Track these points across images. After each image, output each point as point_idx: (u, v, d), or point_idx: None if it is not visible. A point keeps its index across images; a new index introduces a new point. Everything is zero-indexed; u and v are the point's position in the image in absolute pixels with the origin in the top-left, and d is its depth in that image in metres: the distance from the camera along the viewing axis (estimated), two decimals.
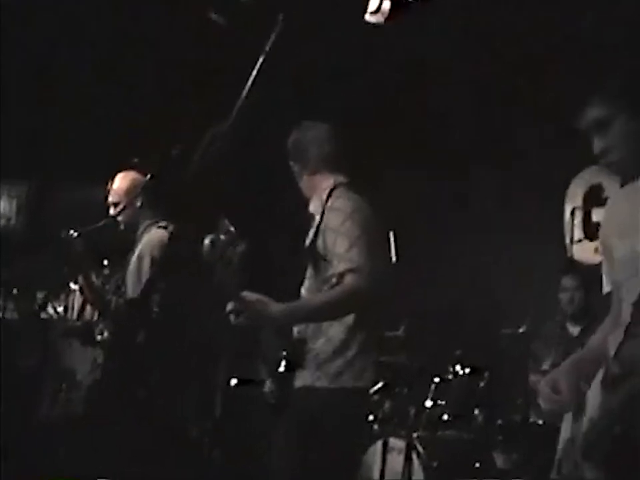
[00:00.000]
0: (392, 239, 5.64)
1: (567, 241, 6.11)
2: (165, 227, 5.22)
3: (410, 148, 6.77)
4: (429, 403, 5.47)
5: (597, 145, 3.07)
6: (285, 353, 4.21)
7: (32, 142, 7.07)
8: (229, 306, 4.03)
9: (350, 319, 4.28)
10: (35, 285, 6.69)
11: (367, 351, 4.32)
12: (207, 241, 3.82)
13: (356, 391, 4.25)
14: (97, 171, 5.64)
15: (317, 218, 4.32)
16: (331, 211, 4.28)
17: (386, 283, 4.49)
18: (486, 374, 5.45)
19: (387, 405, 5.37)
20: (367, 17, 5.79)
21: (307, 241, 4.34)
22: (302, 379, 4.23)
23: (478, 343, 5.72)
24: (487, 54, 6.06)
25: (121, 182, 5.28)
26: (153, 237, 5.24)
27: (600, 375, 2.99)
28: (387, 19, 5.71)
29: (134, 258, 5.19)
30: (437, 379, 5.48)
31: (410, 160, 6.79)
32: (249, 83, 2.76)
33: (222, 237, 3.82)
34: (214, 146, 2.73)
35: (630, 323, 2.95)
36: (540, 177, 6.26)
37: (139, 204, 5.18)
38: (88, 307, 5.66)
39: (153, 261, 5.16)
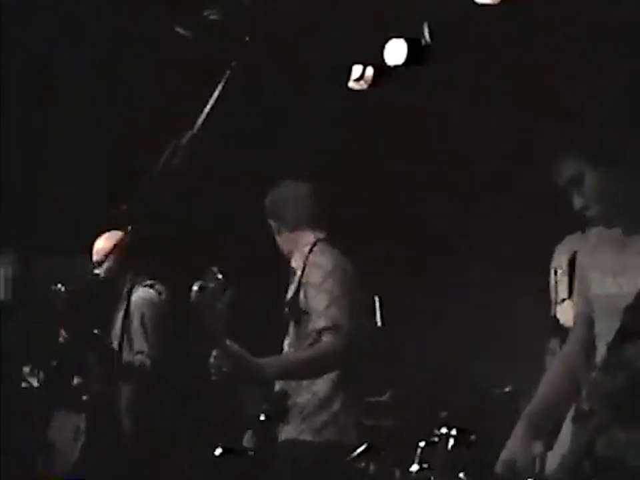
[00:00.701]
0: (377, 304, 5.63)
1: (552, 300, 6.10)
2: (152, 286, 5.25)
3: (395, 217, 6.79)
4: (414, 467, 5.36)
5: (576, 201, 3.11)
6: (265, 407, 4.23)
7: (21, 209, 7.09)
8: (214, 353, 4.06)
9: (334, 375, 4.30)
10: (22, 358, 6.63)
11: (350, 408, 4.32)
12: (195, 287, 3.88)
13: (339, 446, 4.24)
14: (85, 237, 5.66)
15: (299, 273, 4.39)
16: (312, 267, 4.36)
17: (367, 343, 4.50)
18: (472, 436, 5.35)
19: (371, 468, 5.28)
20: (351, 83, 5.92)
21: (288, 295, 4.39)
22: (286, 432, 4.23)
23: (464, 405, 5.65)
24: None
25: (104, 242, 5.36)
26: (140, 296, 5.27)
27: (572, 411, 3.05)
28: (370, 85, 5.83)
29: (120, 317, 5.20)
30: (422, 443, 5.38)
31: (397, 225, 6.79)
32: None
33: (210, 284, 3.88)
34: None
35: (604, 361, 2.96)
36: (527, 240, 6.27)
37: (123, 261, 5.22)
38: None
39: (142, 320, 5.18)
